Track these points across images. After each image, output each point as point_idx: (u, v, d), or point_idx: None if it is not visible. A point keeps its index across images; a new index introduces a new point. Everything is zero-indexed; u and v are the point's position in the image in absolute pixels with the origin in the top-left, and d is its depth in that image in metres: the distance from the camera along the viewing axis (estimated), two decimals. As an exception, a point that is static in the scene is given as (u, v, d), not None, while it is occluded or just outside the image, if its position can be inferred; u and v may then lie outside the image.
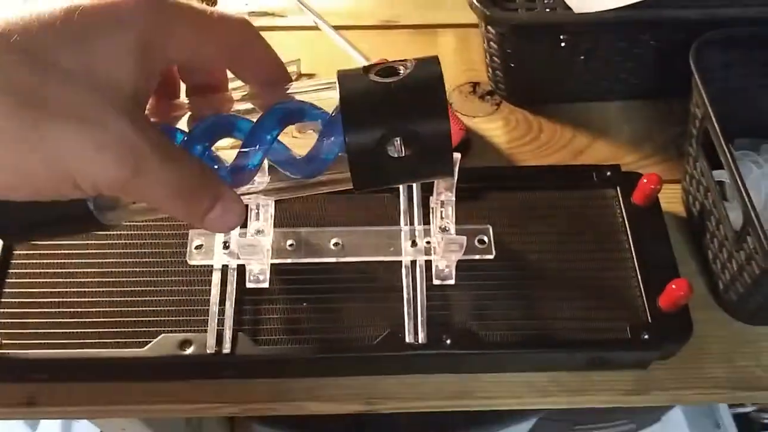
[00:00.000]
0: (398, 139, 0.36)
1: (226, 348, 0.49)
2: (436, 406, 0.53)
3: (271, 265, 0.52)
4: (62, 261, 0.54)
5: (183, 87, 0.40)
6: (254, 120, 0.38)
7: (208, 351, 0.49)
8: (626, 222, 0.56)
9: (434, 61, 0.37)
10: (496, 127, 0.66)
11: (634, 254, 0.54)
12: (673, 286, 0.50)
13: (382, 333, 0.50)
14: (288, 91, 0.41)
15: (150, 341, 0.50)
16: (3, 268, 0.53)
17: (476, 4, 0.56)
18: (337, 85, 0.36)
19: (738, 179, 0.46)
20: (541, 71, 0.64)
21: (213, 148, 0.38)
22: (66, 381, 0.52)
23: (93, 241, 0.54)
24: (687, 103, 0.57)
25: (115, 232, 0.55)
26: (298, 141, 0.39)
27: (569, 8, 0.56)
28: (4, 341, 0.50)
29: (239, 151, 0.37)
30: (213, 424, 1.09)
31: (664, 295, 0.51)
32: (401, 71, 0.36)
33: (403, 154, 0.36)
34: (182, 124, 0.39)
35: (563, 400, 0.53)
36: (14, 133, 0.28)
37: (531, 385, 0.53)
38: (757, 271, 0.47)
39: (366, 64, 0.39)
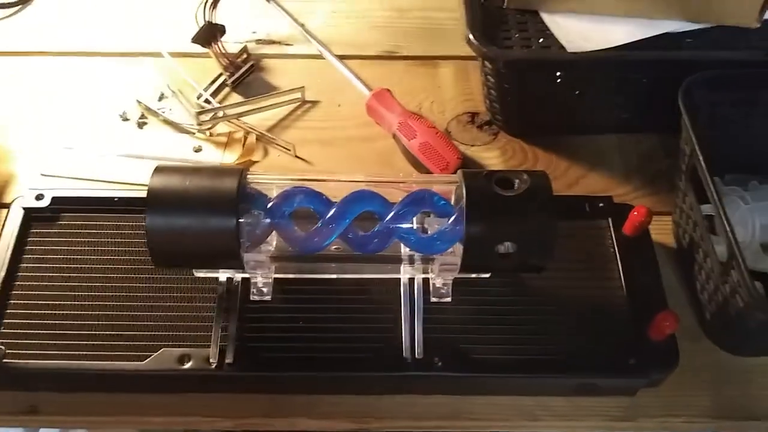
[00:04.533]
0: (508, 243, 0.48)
1: (228, 360, 0.51)
2: (427, 426, 0.54)
3: (273, 279, 0.54)
4: (67, 275, 0.55)
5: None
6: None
7: (211, 362, 0.51)
8: (617, 252, 0.58)
9: (544, 179, 0.49)
10: (492, 156, 0.68)
11: (624, 283, 0.56)
12: (662, 318, 0.52)
13: (378, 349, 0.52)
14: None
15: (150, 355, 0.51)
16: (9, 280, 0.55)
17: (473, 41, 0.58)
18: (464, 188, 0.48)
19: (723, 214, 0.48)
20: (537, 105, 0.66)
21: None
22: (67, 391, 0.53)
23: (97, 257, 0.56)
24: (678, 137, 0.58)
25: (119, 246, 0.57)
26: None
27: (563, 47, 0.58)
28: (8, 351, 0.51)
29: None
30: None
31: (653, 326, 0.52)
32: (516, 184, 0.48)
33: (509, 252, 0.48)
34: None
35: (551, 424, 0.54)
36: None
37: (520, 408, 0.54)
38: (740, 303, 0.48)
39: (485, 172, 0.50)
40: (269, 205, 0.50)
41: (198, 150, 0.67)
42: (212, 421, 0.54)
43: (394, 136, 0.67)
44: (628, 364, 0.52)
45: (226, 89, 0.72)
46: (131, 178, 0.65)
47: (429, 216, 0.52)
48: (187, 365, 0.51)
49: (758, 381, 0.55)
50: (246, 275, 0.53)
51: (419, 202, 0.51)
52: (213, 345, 0.51)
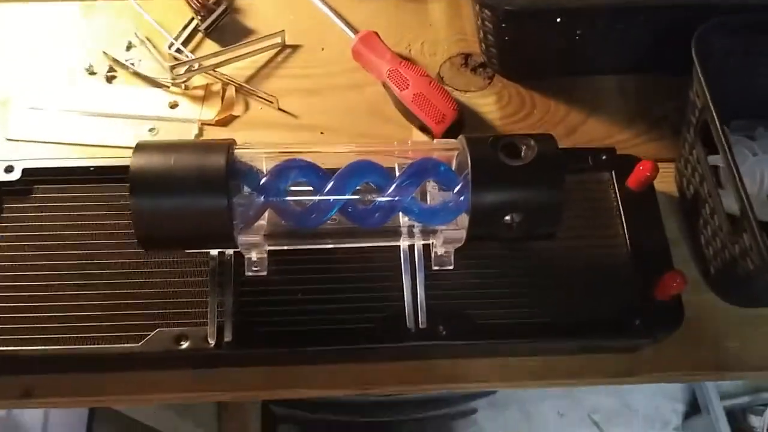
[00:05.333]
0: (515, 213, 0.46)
1: (227, 339, 0.49)
2: (429, 388, 0.54)
3: (268, 252, 0.51)
4: (49, 253, 0.52)
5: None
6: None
7: (210, 342, 0.49)
8: (621, 207, 0.56)
9: (552, 145, 0.47)
10: (488, 102, 0.65)
11: (628, 240, 0.54)
12: (669, 278, 0.50)
13: (380, 320, 0.51)
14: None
15: (145, 335, 0.49)
16: (-11, 262, 0.52)
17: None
18: (468, 157, 0.45)
19: (738, 178, 0.46)
20: (536, 47, 0.62)
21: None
22: (61, 373, 0.51)
23: (79, 232, 0.53)
24: (682, 77, 0.55)
25: (101, 220, 0.53)
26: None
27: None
28: (-4, 337, 0.49)
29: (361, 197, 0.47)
30: (245, 408, 1.11)
31: (660, 286, 0.51)
32: (523, 152, 0.46)
33: (516, 222, 0.46)
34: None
35: (555, 382, 0.54)
36: None
37: (524, 368, 0.53)
38: (751, 266, 0.47)
39: (490, 137, 0.47)
40: (262, 182, 0.46)
41: (174, 106, 0.62)
42: (211, 395, 0.53)
43: (384, 85, 0.63)
44: (633, 325, 0.51)
45: (199, 35, 0.66)
46: (104, 139, 0.61)
47: (430, 184, 0.50)
48: (185, 345, 0.49)
49: (761, 331, 0.55)
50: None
51: (423, 172, 0.48)
52: (210, 324, 0.49)
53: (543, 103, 0.65)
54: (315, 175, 0.47)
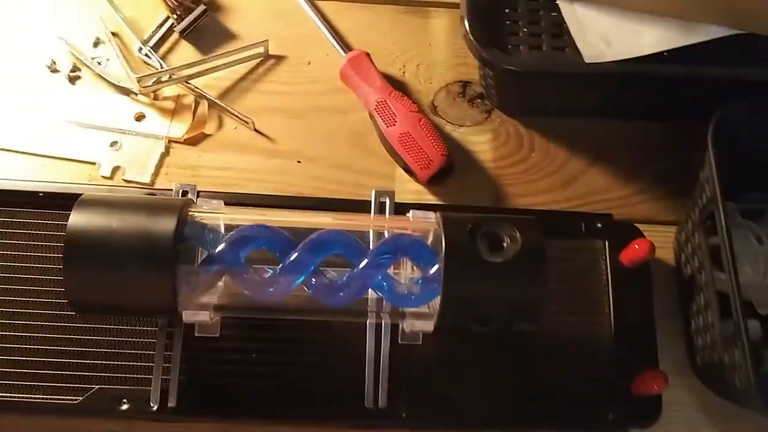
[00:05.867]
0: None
1: (171, 404, 0.46)
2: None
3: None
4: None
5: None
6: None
7: (152, 406, 0.46)
8: (610, 283, 0.52)
9: (539, 238, 0.42)
10: (483, 140, 0.59)
11: (612, 323, 0.50)
12: (650, 378, 0.47)
13: (338, 393, 0.47)
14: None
15: (87, 389, 0.46)
16: None
17: (472, 39, 0.47)
18: (443, 245, 0.41)
19: (736, 292, 0.42)
20: (538, 96, 0.56)
21: None
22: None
23: (19, 264, 0.49)
24: (693, 131, 0.50)
25: (45, 252, 0.49)
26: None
27: (578, 51, 0.48)
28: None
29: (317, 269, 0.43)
30: None
31: (639, 382, 0.48)
32: (505, 245, 0.41)
33: (490, 317, 0.43)
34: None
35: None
36: None
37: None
38: (738, 384, 0.44)
39: (470, 222, 0.43)
40: (219, 249, 0.42)
41: (140, 118, 0.57)
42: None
43: (371, 115, 0.57)
44: (605, 419, 0.48)
45: (175, 35, 0.61)
46: (63, 151, 0.56)
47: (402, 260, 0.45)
48: (125, 407, 0.46)
49: (740, 427, 0.52)
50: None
51: (398, 249, 0.44)
52: (154, 387, 0.46)
53: (543, 145, 0.59)
54: (278, 244, 0.43)
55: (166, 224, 0.40)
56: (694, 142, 0.57)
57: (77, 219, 0.41)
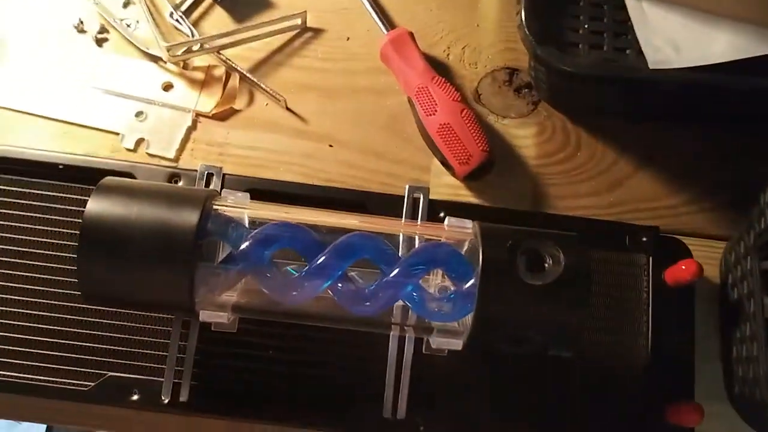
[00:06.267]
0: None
1: (182, 399, 0.45)
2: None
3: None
4: (4, 259, 0.47)
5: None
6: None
7: (163, 399, 0.45)
8: (650, 302, 0.48)
9: (583, 262, 0.39)
10: (527, 134, 0.56)
11: (648, 345, 0.48)
12: (686, 411, 0.45)
13: (356, 397, 0.45)
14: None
15: (95, 378, 0.45)
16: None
17: (527, 32, 0.43)
18: (480, 262, 0.38)
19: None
20: (592, 96, 0.52)
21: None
22: (5, 393, 0.47)
23: (37, 239, 0.47)
24: (753, 143, 0.46)
25: (63, 228, 0.47)
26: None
27: (641, 54, 0.44)
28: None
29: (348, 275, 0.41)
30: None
31: (672, 413, 0.45)
32: (547, 266, 0.38)
33: (524, 342, 0.40)
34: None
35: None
36: None
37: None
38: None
39: (509, 236, 0.40)
40: (243, 247, 0.40)
41: (167, 88, 0.54)
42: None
43: (410, 100, 0.54)
44: (633, 448, 0.46)
45: (208, 0, 0.57)
46: (86, 118, 0.53)
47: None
48: (136, 397, 0.45)
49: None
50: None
51: (433, 261, 0.41)
52: (166, 380, 0.45)
53: (590, 145, 0.56)
54: (305, 245, 0.41)
55: (189, 218, 0.38)
56: (752, 155, 0.53)
57: (95, 206, 0.38)
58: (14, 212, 0.48)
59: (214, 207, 0.40)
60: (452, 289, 0.42)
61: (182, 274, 0.38)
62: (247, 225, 0.42)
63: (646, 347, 0.48)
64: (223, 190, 0.43)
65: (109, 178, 0.40)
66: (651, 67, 0.43)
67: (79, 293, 0.45)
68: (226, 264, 0.40)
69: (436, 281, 0.45)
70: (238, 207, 0.41)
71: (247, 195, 0.43)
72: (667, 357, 0.47)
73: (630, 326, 0.48)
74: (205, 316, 0.41)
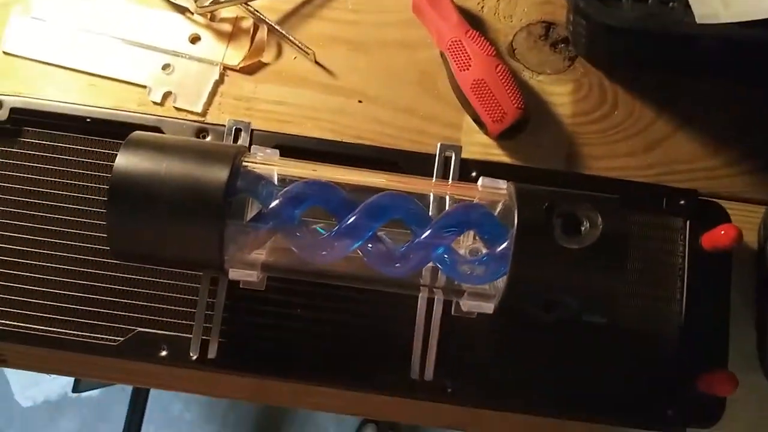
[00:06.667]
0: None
1: (211, 356, 0.45)
2: (430, 426, 0.50)
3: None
4: (32, 213, 0.47)
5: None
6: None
7: (191, 355, 0.45)
8: (686, 268, 0.47)
9: (620, 225, 0.38)
10: (563, 92, 0.54)
11: (684, 310, 0.47)
12: (719, 379, 0.44)
13: (383, 359, 0.45)
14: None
15: (124, 333, 0.45)
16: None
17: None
18: (515, 221, 0.37)
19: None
20: (637, 45, 0.50)
21: None
22: (35, 346, 0.47)
23: (67, 193, 0.47)
24: None
25: (91, 182, 0.47)
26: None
27: (688, 8, 0.41)
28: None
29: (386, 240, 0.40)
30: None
31: (705, 381, 0.44)
32: (584, 229, 0.38)
33: (558, 306, 0.39)
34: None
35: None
36: None
37: (536, 428, 0.48)
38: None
39: (545, 198, 0.39)
40: (273, 205, 0.39)
41: (195, 40, 0.53)
42: (191, 392, 0.49)
43: (442, 55, 0.52)
44: (665, 415, 0.45)
45: (237, -51, 0.55)
46: (112, 71, 0.52)
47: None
48: (164, 353, 0.45)
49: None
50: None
51: (466, 222, 0.40)
52: (195, 336, 0.45)
53: (627, 103, 0.54)
54: (336, 204, 0.40)
55: (218, 174, 0.37)
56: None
57: (124, 161, 0.38)
58: (41, 165, 0.48)
59: (244, 163, 0.40)
60: (484, 251, 0.41)
61: (212, 231, 0.37)
62: (276, 182, 0.41)
63: (680, 314, 0.47)
64: (252, 146, 0.42)
65: (137, 133, 0.40)
66: (698, 21, 0.41)
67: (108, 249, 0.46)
68: (255, 222, 0.40)
69: (467, 243, 0.44)
70: (267, 164, 0.41)
71: (277, 151, 0.42)
72: (701, 324, 0.47)
73: (664, 292, 0.47)
74: (234, 274, 0.41)
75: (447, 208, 0.42)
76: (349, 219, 0.39)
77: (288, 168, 0.41)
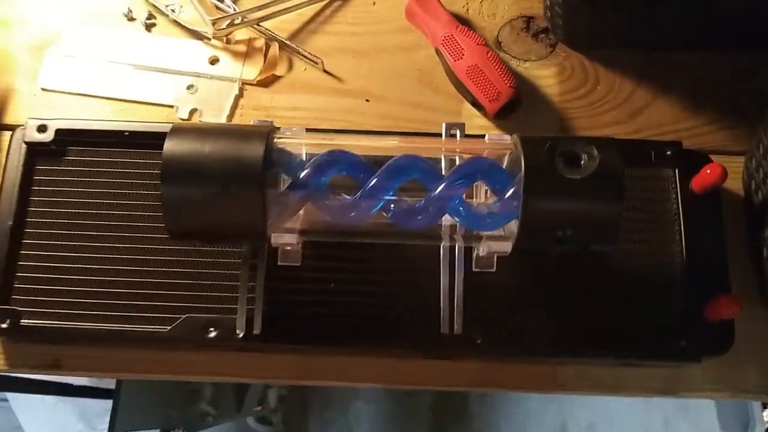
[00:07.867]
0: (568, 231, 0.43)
1: (256, 331, 0.48)
2: (462, 388, 0.53)
3: (303, 242, 0.49)
4: (79, 222, 0.51)
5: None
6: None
7: (238, 333, 0.48)
8: (680, 211, 0.52)
9: (615, 155, 0.43)
10: (548, 74, 0.59)
11: (684, 249, 0.51)
12: (724, 303, 0.47)
13: (413, 320, 0.49)
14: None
15: (174, 320, 0.49)
16: (18, 230, 0.51)
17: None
18: (522, 164, 0.42)
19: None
20: (608, 20, 0.56)
21: None
22: (88, 346, 0.51)
23: (111, 201, 0.51)
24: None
25: (134, 189, 0.52)
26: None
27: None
28: (24, 309, 0.49)
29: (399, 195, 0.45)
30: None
31: (711, 308, 0.48)
32: (583, 162, 0.42)
33: (568, 236, 0.43)
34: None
35: (591, 392, 0.52)
36: None
37: (559, 375, 0.52)
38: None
39: (547, 141, 0.43)
40: (302, 175, 0.44)
41: (214, 61, 0.59)
42: (238, 379, 0.52)
43: (437, 51, 0.58)
44: (677, 346, 0.49)
45: (245, -20, 0.62)
46: (141, 95, 0.58)
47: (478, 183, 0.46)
48: (213, 334, 0.49)
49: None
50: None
51: (474, 173, 0.44)
52: (239, 314, 0.48)
53: (608, 78, 0.59)
54: (358, 169, 0.45)
55: (255, 149, 0.42)
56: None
57: (171, 146, 0.43)
58: (86, 179, 0.52)
59: (275, 140, 0.44)
60: (493, 202, 0.45)
61: (254, 198, 0.42)
62: (304, 158, 0.46)
63: (681, 252, 0.51)
64: (281, 127, 0.47)
65: (179, 122, 0.45)
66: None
67: (153, 243, 0.50)
68: (290, 190, 0.44)
69: (479, 201, 0.48)
70: (295, 139, 0.46)
71: (303, 129, 0.47)
72: (701, 259, 0.50)
73: (664, 235, 0.51)
74: (275, 238, 0.45)
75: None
76: (371, 181, 0.44)
77: (314, 141, 0.46)
